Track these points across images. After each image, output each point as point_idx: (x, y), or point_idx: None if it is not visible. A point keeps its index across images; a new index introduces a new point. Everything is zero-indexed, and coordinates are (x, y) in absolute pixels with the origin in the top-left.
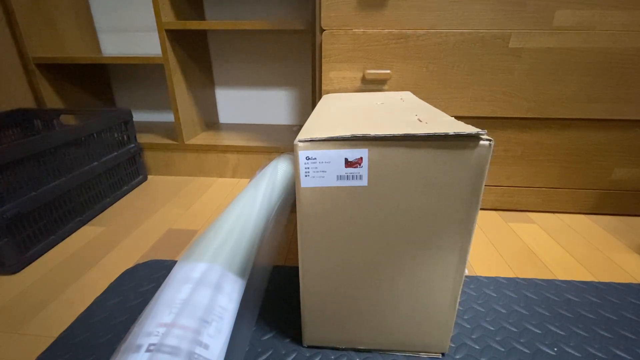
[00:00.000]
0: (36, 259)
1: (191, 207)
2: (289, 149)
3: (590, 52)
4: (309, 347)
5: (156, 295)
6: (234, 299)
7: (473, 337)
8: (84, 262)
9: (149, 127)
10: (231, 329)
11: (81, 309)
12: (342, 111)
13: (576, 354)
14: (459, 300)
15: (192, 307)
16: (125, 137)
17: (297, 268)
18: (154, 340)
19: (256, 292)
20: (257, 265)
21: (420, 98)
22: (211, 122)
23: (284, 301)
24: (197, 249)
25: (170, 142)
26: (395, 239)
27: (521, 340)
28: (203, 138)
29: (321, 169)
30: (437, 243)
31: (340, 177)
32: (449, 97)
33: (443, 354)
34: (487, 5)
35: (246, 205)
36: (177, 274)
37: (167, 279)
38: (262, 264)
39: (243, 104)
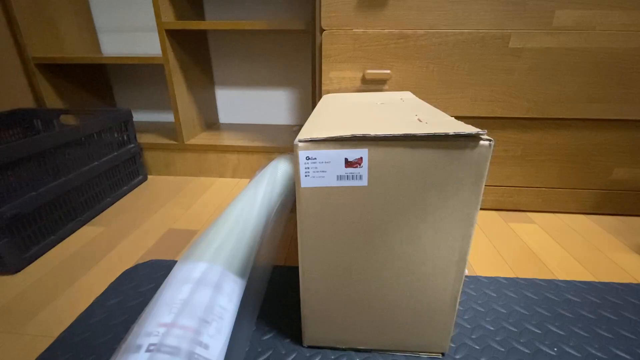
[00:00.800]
0: (36, 259)
1: (191, 207)
2: (289, 149)
3: (590, 52)
4: (309, 347)
5: (156, 295)
6: (234, 299)
7: (473, 337)
8: (84, 262)
9: (149, 127)
10: (231, 329)
11: (81, 309)
12: (342, 111)
13: (576, 354)
14: (459, 300)
15: (192, 307)
16: (125, 137)
17: (297, 268)
18: (154, 340)
19: (256, 292)
20: (257, 265)
21: (420, 98)
22: (211, 122)
23: (284, 301)
24: (197, 249)
25: (170, 142)
26: (395, 239)
27: (521, 340)
28: (203, 138)
29: (321, 169)
30: (437, 243)
31: (340, 177)
32: (449, 97)
33: (443, 354)
34: (487, 5)
35: (246, 206)
36: (177, 274)
37: (167, 279)
38: (262, 264)
39: (243, 104)
